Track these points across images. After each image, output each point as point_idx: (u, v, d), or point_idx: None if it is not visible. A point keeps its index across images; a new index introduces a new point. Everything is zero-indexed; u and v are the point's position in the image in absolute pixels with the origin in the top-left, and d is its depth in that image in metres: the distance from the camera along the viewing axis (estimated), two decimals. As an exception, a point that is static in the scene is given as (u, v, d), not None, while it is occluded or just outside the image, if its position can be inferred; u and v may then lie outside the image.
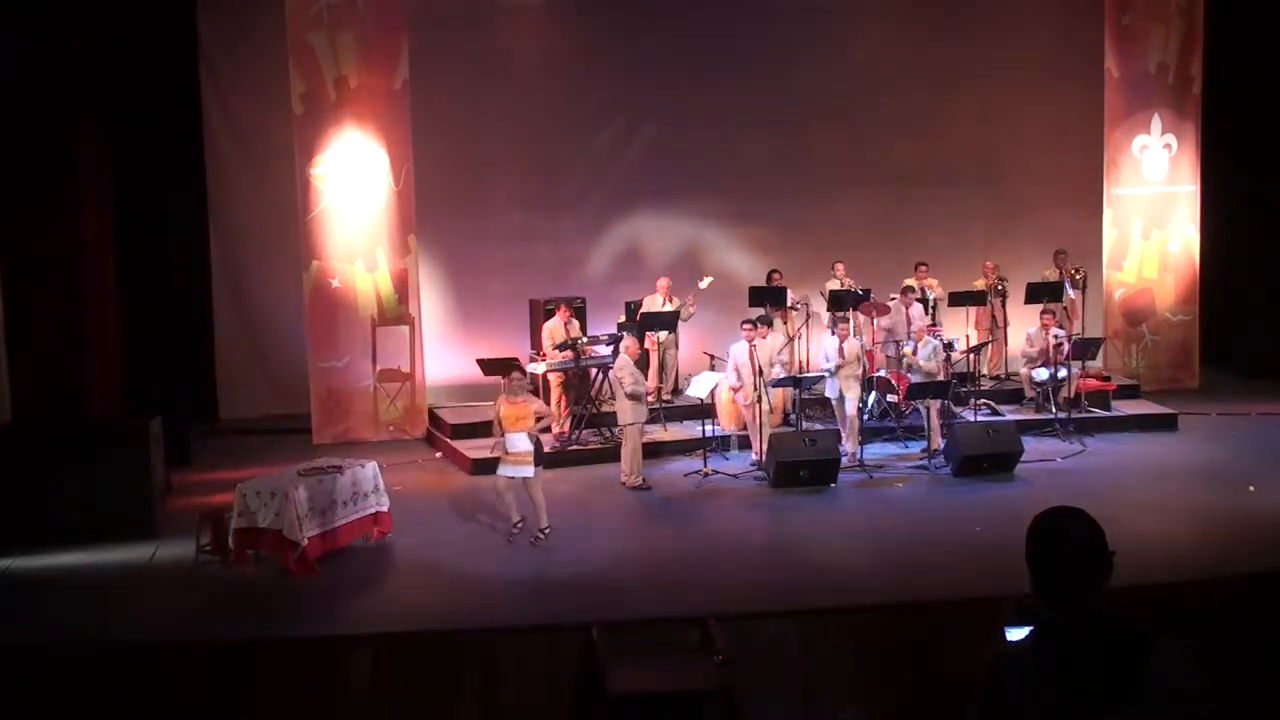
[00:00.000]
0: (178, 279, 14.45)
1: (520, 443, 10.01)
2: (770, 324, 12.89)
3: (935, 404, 12.38)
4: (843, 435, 12.38)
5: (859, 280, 14.39)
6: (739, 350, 12.13)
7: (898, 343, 13.41)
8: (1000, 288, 14.58)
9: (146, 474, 10.49)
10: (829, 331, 13.00)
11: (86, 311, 12.36)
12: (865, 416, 12.89)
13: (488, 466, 12.21)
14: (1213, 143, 15.39)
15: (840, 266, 14.50)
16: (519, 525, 10.17)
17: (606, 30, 15.27)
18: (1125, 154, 15.24)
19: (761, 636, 8.05)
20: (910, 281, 14.21)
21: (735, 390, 12.23)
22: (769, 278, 14.33)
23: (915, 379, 12.54)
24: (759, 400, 11.99)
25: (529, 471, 10.05)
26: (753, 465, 12.07)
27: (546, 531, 10.09)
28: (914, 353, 12.79)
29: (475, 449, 12.45)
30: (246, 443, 13.54)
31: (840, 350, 12.32)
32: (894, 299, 14.11)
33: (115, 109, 13.34)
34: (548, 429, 11.59)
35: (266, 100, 14.21)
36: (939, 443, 12.21)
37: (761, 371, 11.97)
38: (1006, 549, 4.21)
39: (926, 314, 13.86)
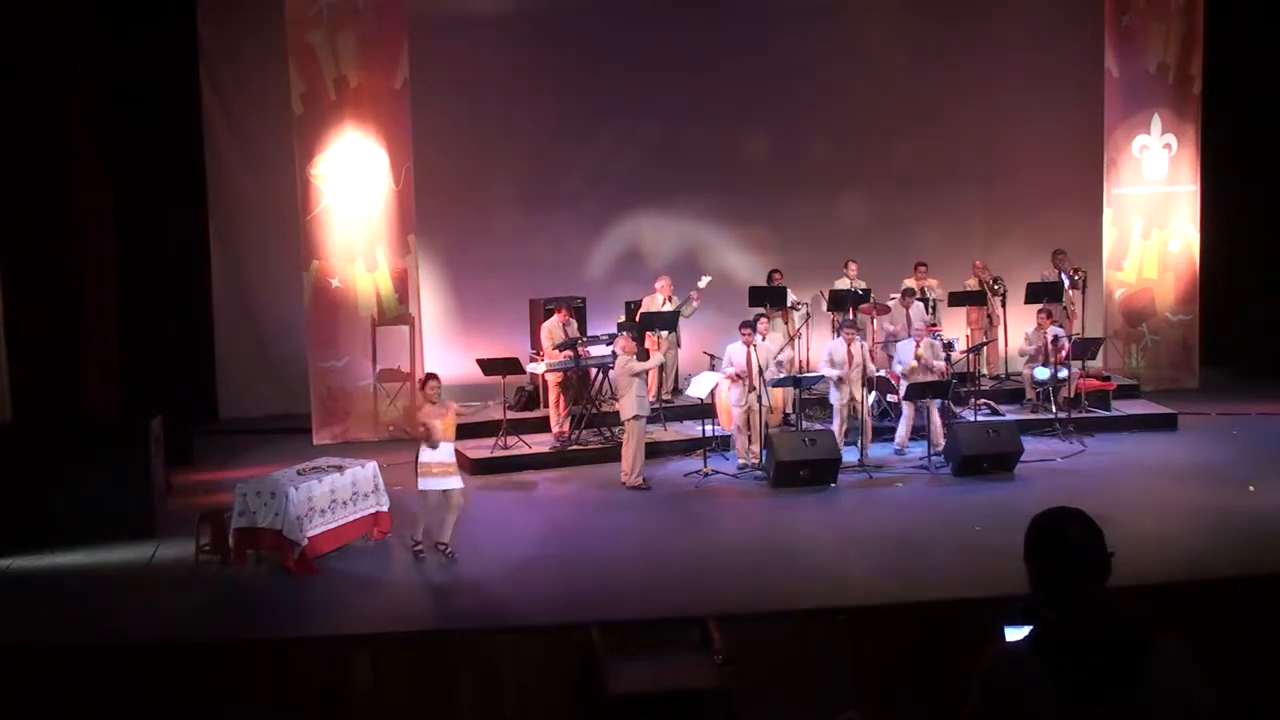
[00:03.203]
0: (178, 279, 14.46)
1: (452, 453, 9.84)
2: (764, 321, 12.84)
3: (934, 404, 12.37)
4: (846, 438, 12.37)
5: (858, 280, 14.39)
6: (736, 350, 12.12)
7: (897, 343, 13.37)
8: (997, 287, 14.57)
9: (146, 474, 10.49)
10: (836, 335, 12.84)
11: (86, 311, 12.35)
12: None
13: (488, 466, 12.30)
14: (1213, 143, 15.38)
15: (853, 266, 14.46)
16: (423, 543, 9.80)
17: (607, 30, 15.27)
18: (1125, 154, 15.23)
19: (761, 636, 8.04)
20: (909, 283, 14.20)
21: (733, 380, 12.10)
22: (769, 278, 14.33)
23: (912, 379, 12.52)
24: (758, 400, 11.97)
25: (459, 482, 9.87)
26: (745, 467, 12.02)
27: (442, 548, 9.70)
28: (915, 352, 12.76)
29: (475, 449, 12.46)
30: (246, 443, 13.54)
31: (849, 354, 12.19)
32: (894, 299, 14.10)
33: (115, 109, 13.34)
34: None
35: (266, 100, 14.22)
36: (940, 442, 12.20)
37: (763, 371, 11.95)
38: (1006, 549, 4.21)
39: (928, 314, 13.85)
